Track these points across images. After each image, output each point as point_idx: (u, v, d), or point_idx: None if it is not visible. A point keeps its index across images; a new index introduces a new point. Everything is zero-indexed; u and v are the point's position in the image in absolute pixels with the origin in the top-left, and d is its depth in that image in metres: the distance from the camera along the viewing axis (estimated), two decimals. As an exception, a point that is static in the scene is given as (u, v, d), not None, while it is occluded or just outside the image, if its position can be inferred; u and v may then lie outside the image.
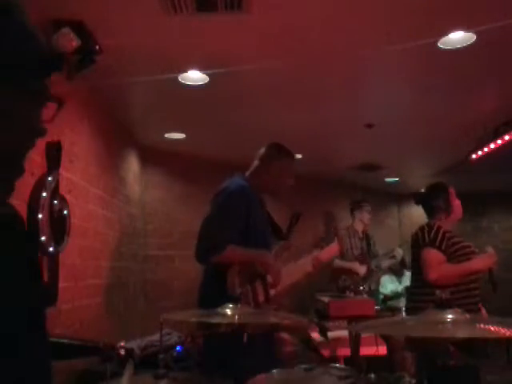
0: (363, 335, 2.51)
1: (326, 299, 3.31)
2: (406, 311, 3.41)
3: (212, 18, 2.55)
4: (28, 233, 0.82)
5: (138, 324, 4.58)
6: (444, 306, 1.24)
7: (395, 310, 4.03)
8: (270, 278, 2.30)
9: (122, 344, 2.79)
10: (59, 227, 2.61)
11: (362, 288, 4.25)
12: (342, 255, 4.65)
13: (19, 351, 0.74)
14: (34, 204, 2.34)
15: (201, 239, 2.20)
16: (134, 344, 2.88)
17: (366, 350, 2.64)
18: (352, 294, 3.42)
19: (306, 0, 2.46)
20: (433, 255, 2.86)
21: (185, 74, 3.25)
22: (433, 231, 2.92)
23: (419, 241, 2.94)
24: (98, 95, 3.57)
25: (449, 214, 3.05)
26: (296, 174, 2.61)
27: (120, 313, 4.11)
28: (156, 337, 2.92)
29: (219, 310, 1.48)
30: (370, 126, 4.49)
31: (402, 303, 4.52)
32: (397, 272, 5.63)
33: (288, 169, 2.54)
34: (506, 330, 1.15)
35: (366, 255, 5.19)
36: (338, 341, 3.12)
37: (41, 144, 2.49)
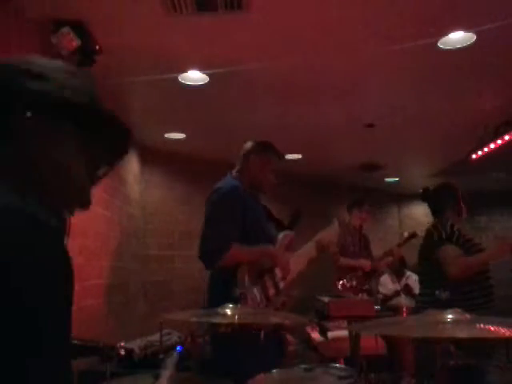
0: (363, 335, 2.51)
1: (325, 299, 3.31)
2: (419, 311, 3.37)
3: (212, 18, 2.55)
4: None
5: (138, 324, 4.58)
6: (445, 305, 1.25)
7: (395, 310, 4.03)
8: (277, 271, 2.31)
9: (122, 344, 2.79)
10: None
11: (366, 287, 4.25)
12: (340, 247, 4.62)
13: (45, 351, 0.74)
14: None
15: (203, 243, 2.20)
16: (134, 344, 2.88)
17: (365, 350, 2.64)
18: (352, 294, 3.43)
19: (306, 0, 2.46)
20: (452, 251, 2.81)
21: (185, 74, 3.25)
22: (448, 228, 2.88)
23: (434, 238, 2.87)
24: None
25: (457, 214, 3.04)
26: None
27: (120, 313, 4.11)
28: (156, 337, 2.92)
29: (219, 310, 1.48)
30: (370, 125, 4.49)
31: (402, 303, 4.52)
32: (397, 271, 5.63)
33: (267, 163, 2.50)
34: (505, 329, 1.15)
35: (366, 251, 5.18)
36: (337, 341, 3.12)
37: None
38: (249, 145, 2.53)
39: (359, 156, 5.84)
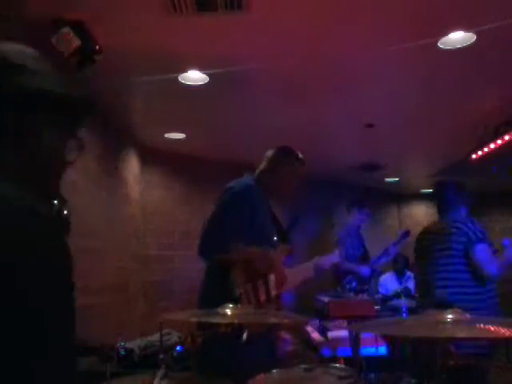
0: (363, 335, 2.51)
1: (325, 299, 3.31)
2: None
3: (212, 18, 2.55)
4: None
5: (138, 324, 4.57)
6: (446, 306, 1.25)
7: (396, 311, 4.03)
8: (272, 278, 2.29)
9: (122, 344, 2.79)
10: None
11: (366, 288, 4.25)
12: (342, 263, 4.63)
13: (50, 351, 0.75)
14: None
15: (205, 236, 2.20)
16: (134, 344, 2.88)
17: (366, 350, 2.64)
18: (352, 294, 3.42)
19: (306, 0, 2.46)
20: (489, 250, 2.79)
21: (185, 74, 3.25)
22: (479, 226, 2.85)
23: (468, 235, 2.81)
24: (97, 95, 3.56)
25: (469, 215, 3.02)
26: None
27: (120, 313, 4.11)
28: (156, 337, 2.92)
29: (219, 310, 1.48)
30: (370, 125, 4.49)
31: (402, 303, 4.51)
32: (399, 272, 5.63)
33: (297, 174, 2.52)
34: (505, 329, 1.15)
35: (367, 254, 5.19)
36: (337, 341, 3.12)
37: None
38: (275, 153, 2.52)
39: (359, 156, 5.84)
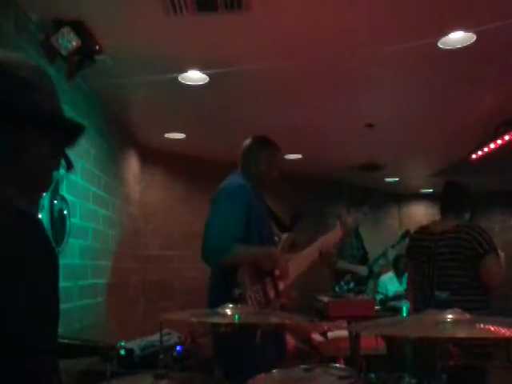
0: (363, 335, 2.51)
1: (325, 299, 3.31)
2: None
3: (212, 18, 2.55)
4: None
5: (138, 324, 4.58)
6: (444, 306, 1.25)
7: (396, 311, 4.03)
8: (277, 272, 2.29)
9: (122, 344, 2.79)
10: (59, 227, 2.61)
11: (363, 288, 4.25)
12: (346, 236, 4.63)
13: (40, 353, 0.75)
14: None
15: (206, 242, 2.20)
16: (134, 344, 2.88)
17: (365, 350, 2.64)
18: (352, 294, 3.43)
19: (306, 0, 2.46)
20: (499, 261, 2.78)
21: (185, 74, 3.25)
22: (488, 234, 2.80)
23: (481, 243, 2.76)
24: (97, 95, 3.57)
25: (470, 219, 3.01)
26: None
27: (120, 313, 4.11)
28: (156, 337, 2.92)
29: (219, 309, 1.48)
30: (370, 125, 4.49)
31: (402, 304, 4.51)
32: (400, 272, 5.62)
33: (274, 159, 2.51)
34: (506, 329, 1.15)
35: (366, 255, 5.20)
36: (337, 341, 3.12)
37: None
38: (249, 141, 2.52)
39: (359, 156, 5.84)
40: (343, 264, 4.85)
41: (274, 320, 1.71)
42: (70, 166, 1.04)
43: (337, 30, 2.76)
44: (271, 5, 2.47)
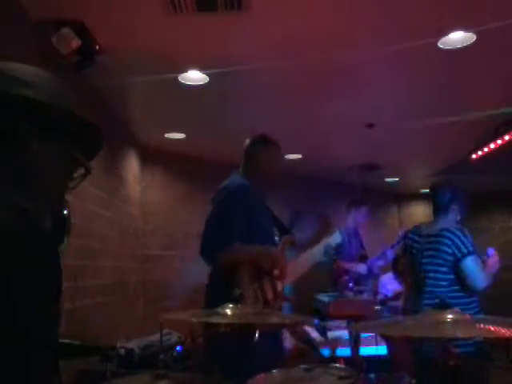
0: (363, 335, 2.51)
1: (325, 299, 3.31)
2: None
3: (212, 18, 2.55)
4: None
5: (138, 324, 4.58)
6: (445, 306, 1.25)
7: (396, 311, 4.02)
8: (276, 273, 2.29)
9: (122, 344, 2.79)
10: (59, 227, 2.60)
11: (363, 288, 4.25)
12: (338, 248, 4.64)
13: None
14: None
15: (206, 239, 2.20)
16: (134, 344, 2.88)
17: (366, 350, 2.64)
18: (352, 294, 3.43)
19: (306, 0, 2.46)
20: (479, 263, 2.81)
21: (185, 74, 3.25)
22: (469, 238, 2.85)
23: (460, 248, 2.82)
24: (98, 95, 3.57)
25: (460, 220, 3.03)
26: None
27: (120, 313, 4.11)
28: (156, 337, 2.92)
29: (219, 309, 1.48)
30: (370, 125, 4.49)
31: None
32: (399, 273, 5.62)
33: (276, 159, 2.51)
34: (506, 329, 1.15)
35: (365, 254, 5.20)
36: (338, 341, 3.13)
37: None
38: (249, 141, 2.53)
39: (359, 156, 5.84)
40: (342, 263, 4.85)
41: (273, 320, 1.71)
42: (86, 173, 1.05)
43: (336, 30, 2.75)
44: (271, 5, 2.47)
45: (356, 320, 2.64)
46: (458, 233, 2.87)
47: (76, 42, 2.50)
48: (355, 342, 2.50)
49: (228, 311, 1.45)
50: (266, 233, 2.39)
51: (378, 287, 5.49)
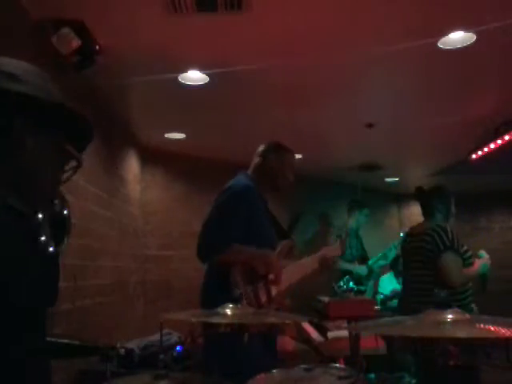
0: (363, 335, 2.51)
1: (325, 299, 3.31)
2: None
3: (212, 18, 2.55)
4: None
5: (138, 324, 4.58)
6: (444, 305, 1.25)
7: (395, 311, 4.02)
8: (271, 277, 2.28)
9: (122, 344, 2.79)
10: (59, 227, 2.60)
11: (364, 289, 4.26)
12: (343, 254, 4.66)
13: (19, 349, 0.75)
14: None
15: (203, 238, 2.19)
16: (134, 344, 2.89)
17: (365, 350, 2.64)
18: (352, 294, 3.43)
19: (307, 0, 2.46)
20: (456, 260, 2.85)
21: (185, 74, 3.25)
22: (449, 234, 2.89)
23: (438, 244, 2.88)
24: (98, 95, 3.57)
25: (447, 220, 3.07)
26: (296, 174, 2.61)
27: (120, 313, 4.11)
28: (156, 337, 2.92)
29: (219, 309, 1.47)
30: (370, 125, 4.49)
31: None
32: (398, 273, 5.63)
33: (289, 164, 2.54)
34: (506, 329, 1.15)
35: (366, 255, 5.21)
36: (338, 341, 3.12)
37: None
38: (264, 146, 2.54)
39: (359, 156, 5.84)
40: (343, 264, 4.86)
41: (273, 320, 1.71)
42: (77, 166, 1.02)
43: (336, 30, 2.76)
44: (271, 5, 2.47)
45: (356, 320, 2.64)
46: (439, 229, 2.93)
47: (76, 42, 2.50)
48: (355, 342, 2.50)
49: (228, 311, 1.45)
50: (266, 235, 2.38)
51: (377, 287, 5.50)
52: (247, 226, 2.24)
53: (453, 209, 3.13)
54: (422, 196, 3.23)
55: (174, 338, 3.07)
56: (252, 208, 2.28)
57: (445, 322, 1.21)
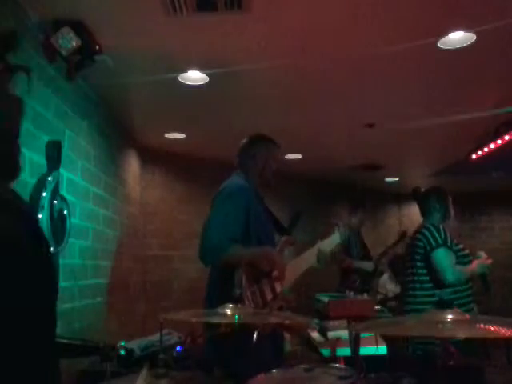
0: (363, 335, 2.51)
1: (325, 299, 3.31)
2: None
3: (212, 18, 2.55)
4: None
5: (138, 324, 4.58)
6: (445, 306, 1.25)
7: (395, 311, 4.03)
8: (275, 274, 2.29)
9: (122, 344, 2.79)
10: (59, 227, 2.61)
11: (368, 287, 4.27)
12: (344, 248, 4.66)
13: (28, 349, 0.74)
14: (34, 204, 2.34)
15: (204, 241, 2.20)
16: (134, 344, 2.88)
17: (365, 350, 2.64)
18: (352, 294, 3.42)
19: (307, 0, 2.46)
20: (448, 256, 2.89)
21: (185, 74, 3.25)
22: (442, 232, 2.95)
23: (430, 241, 2.94)
24: (97, 95, 3.57)
25: (444, 220, 3.11)
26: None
27: (120, 313, 4.11)
28: (156, 337, 2.92)
29: (219, 309, 1.48)
30: (370, 125, 4.49)
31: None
32: (397, 272, 5.63)
33: (273, 156, 2.53)
34: (505, 329, 1.15)
35: (368, 252, 5.21)
36: (338, 341, 3.12)
37: (41, 144, 2.49)
38: (246, 141, 2.55)
39: (359, 156, 5.84)
40: (350, 262, 4.87)
41: (273, 320, 1.71)
42: (28, 71, 0.87)
43: (336, 30, 2.75)
44: (271, 5, 2.47)
45: (356, 320, 2.64)
46: (432, 228, 3.00)
47: (76, 42, 2.50)
48: (355, 342, 2.50)
49: (228, 311, 1.45)
50: (266, 234, 2.39)
51: (377, 287, 5.51)
52: (246, 226, 2.24)
53: (451, 209, 3.15)
54: (419, 197, 3.27)
55: (174, 338, 3.07)
56: (249, 207, 2.28)
57: (445, 322, 1.21)
